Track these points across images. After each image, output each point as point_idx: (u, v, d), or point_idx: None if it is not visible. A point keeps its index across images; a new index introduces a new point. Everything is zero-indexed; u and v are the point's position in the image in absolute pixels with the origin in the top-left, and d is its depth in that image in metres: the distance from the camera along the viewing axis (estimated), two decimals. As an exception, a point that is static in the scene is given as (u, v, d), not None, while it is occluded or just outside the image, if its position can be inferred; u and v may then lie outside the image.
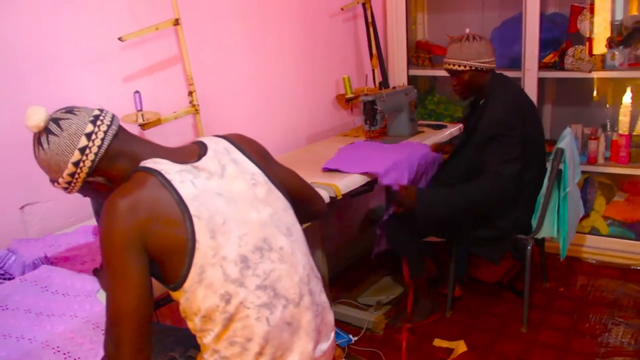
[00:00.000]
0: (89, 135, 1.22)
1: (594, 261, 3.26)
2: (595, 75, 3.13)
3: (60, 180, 1.25)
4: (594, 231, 3.31)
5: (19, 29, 1.88)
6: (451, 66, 2.49)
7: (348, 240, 3.50)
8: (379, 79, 3.46)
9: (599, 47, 3.11)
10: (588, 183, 3.38)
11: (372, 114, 2.83)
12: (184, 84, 2.40)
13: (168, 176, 1.20)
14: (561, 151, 2.42)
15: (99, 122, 1.24)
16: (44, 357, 1.30)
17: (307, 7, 3.10)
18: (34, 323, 1.36)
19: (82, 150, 1.21)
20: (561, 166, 2.45)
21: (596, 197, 3.37)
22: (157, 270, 1.21)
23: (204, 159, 1.28)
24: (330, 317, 1.43)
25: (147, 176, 1.21)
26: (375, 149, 2.78)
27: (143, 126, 2.08)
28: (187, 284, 1.19)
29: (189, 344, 1.45)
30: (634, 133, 3.24)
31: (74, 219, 2.07)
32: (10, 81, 1.87)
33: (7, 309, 1.41)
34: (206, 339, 1.25)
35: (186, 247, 1.18)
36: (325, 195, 2.19)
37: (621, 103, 3.31)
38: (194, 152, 1.30)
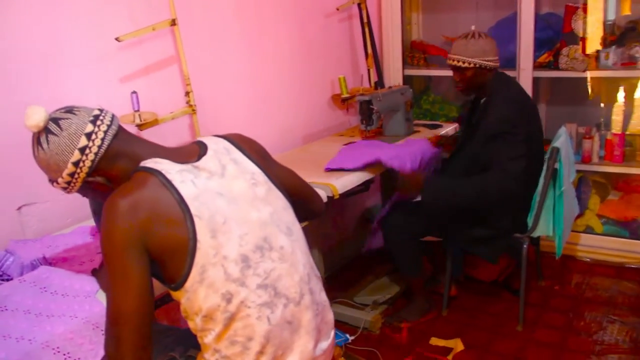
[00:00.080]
0: (88, 135, 1.22)
1: (588, 259, 3.28)
2: (589, 74, 3.15)
3: (60, 180, 1.25)
4: (589, 230, 3.33)
5: (17, 29, 1.88)
6: (455, 62, 2.50)
7: (344, 240, 3.51)
8: (374, 78, 3.47)
9: (593, 46, 3.13)
10: (582, 182, 3.40)
11: (368, 114, 2.83)
12: (180, 84, 2.40)
13: (169, 176, 1.21)
14: (556, 150, 2.44)
15: (98, 122, 1.24)
16: (44, 358, 1.30)
17: (303, 7, 3.11)
18: (34, 324, 1.36)
19: (82, 150, 1.21)
20: (556, 165, 2.47)
21: (590, 196, 3.39)
22: (158, 270, 1.21)
23: (204, 158, 1.29)
24: (330, 316, 1.44)
25: (147, 176, 1.21)
26: (376, 146, 2.78)
27: (140, 126, 2.08)
28: (188, 284, 1.19)
29: (189, 343, 1.46)
30: (627, 132, 3.26)
31: (72, 219, 2.07)
32: (7, 81, 1.87)
33: (6, 309, 1.40)
34: (207, 339, 1.25)
35: (187, 247, 1.18)
36: (322, 194, 2.19)
37: (615, 102, 3.34)
38: (194, 152, 1.31)
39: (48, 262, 1.66)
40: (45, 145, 1.21)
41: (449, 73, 3.74)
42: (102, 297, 1.46)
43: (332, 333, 1.45)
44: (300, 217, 1.44)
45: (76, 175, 1.24)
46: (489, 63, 2.46)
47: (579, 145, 3.29)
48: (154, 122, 2.14)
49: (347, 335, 2.65)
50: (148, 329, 1.18)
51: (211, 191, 1.24)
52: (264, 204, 1.31)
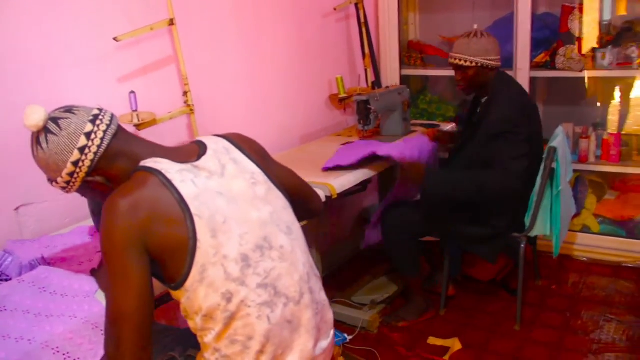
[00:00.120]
0: (88, 135, 1.22)
1: (585, 259, 3.29)
2: (586, 74, 3.16)
3: (59, 179, 1.24)
4: (585, 229, 3.34)
5: (14, 29, 1.87)
6: (457, 61, 2.50)
7: (342, 240, 3.51)
8: (371, 78, 3.47)
9: (589, 46, 3.14)
10: (579, 181, 3.41)
11: (365, 114, 2.83)
12: (178, 84, 2.39)
13: (169, 176, 1.21)
14: (554, 150, 2.45)
15: (98, 122, 1.24)
16: (44, 358, 1.30)
17: (300, 7, 3.11)
18: (33, 324, 1.36)
19: (82, 150, 1.21)
20: (554, 165, 2.47)
21: (587, 196, 3.40)
22: (158, 269, 1.21)
23: (203, 158, 1.29)
24: (329, 315, 1.44)
25: (147, 176, 1.21)
26: (373, 144, 2.77)
27: (138, 126, 2.08)
28: (188, 283, 1.19)
29: (188, 343, 1.46)
30: (623, 132, 3.28)
31: (69, 220, 2.06)
32: (4, 81, 1.86)
33: (5, 310, 1.40)
34: (207, 338, 1.25)
35: (187, 246, 1.18)
36: (320, 194, 2.19)
37: (611, 102, 3.35)
38: (193, 152, 1.31)
39: (47, 262, 1.66)
40: (44, 145, 1.21)
41: (446, 73, 3.79)
42: (101, 297, 1.46)
43: (332, 332, 1.45)
44: (299, 216, 1.44)
45: (75, 175, 1.23)
46: (490, 62, 2.47)
47: (575, 144, 3.30)
48: (152, 122, 2.13)
49: (345, 335, 2.65)
50: (148, 329, 1.18)
51: (211, 191, 1.24)
52: (264, 204, 1.31)
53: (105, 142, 1.23)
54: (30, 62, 1.92)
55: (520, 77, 3.20)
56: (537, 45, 3.24)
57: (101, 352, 1.38)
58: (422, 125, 3.28)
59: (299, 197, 1.51)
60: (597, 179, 3.44)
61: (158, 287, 1.27)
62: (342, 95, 3.16)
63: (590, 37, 3.13)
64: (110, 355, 1.18)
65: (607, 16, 3.17)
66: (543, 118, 3.52)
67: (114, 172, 1.26)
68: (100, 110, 1.27)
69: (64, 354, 1.33)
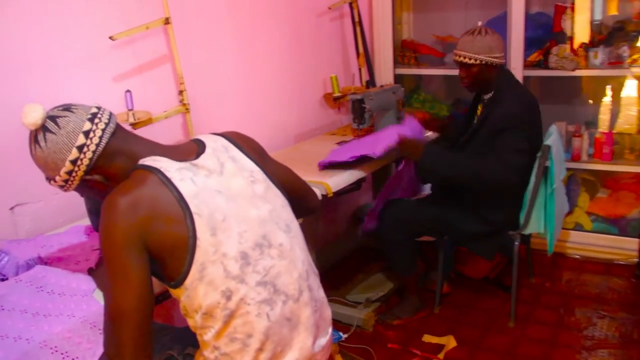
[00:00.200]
0: (86, 133, 1.21)
1: (578, 256, 3.31)
2: (578, 73, 3.18)
3: (57, 178, 1.24)
4: (578, 227, 3.37)
5: (9, 28, 1.87)
6: (461, 58, 2.50)
7: (336, 238, 3.52)
8: (365, 77, 3.48)
9: (581, 46, 3.16)
10: (572, 180, 3.43)
11: (360, 113, 2.84)
12: (174, 83, 2.39)
13: (168, 174, 1.20)
14: (548, 148, 2.46)
15: (96, 120, 1.23)
16: (42, 357, 1.29)
17: (295, 6, 3.11)
18: (31, 323, 1.36)
19: (80, 149, 1.21)
20: (548, 163, 2.49)
21: (580, 194, 3.43)
22: (157, 268, 1.21)
23: (202, 156, 1.29)
24: (328, 312, 1.45)
25: (146, 174, 1.21)
26: (368, 143, 2.76)
27: (134, 125, 2.07)
28: (188, 281, 1.19)
29: (187, 342, 1.45)
30: (614, 131, 3.30)
31: (65, 219, 2.05)
32: (0, 81, 1.86)
33: (2, 309, 1.39)
34: (206, 336, 1.25)
35: (187, 245, 1.18)
36: (316, 193, 2.19)
37: (603, 101, 3.37)
38: (192, 150, 1.31)
39: (43, 261, 1.65)
40: (42, 144, 1.21)
41: (440, 72, 3.81)
42: (99, 296, 1.46)
43: (330, 329, 1.46)
44: (297, 213, 1.44)
45: (74, 174, 1.23)
46: (494, 60, 2.47)
47: (568, 143, 3.33)
48: (148, 121, 2.13)
49: (341, 333, 2.66)
50: (148, 328, 1.18)
51: (210, 189, 1.24)
52: (263, 202, 1.31)
53: (104, 141, 1.23)
54: (26, 62, 1.92)
55: (514, 76, 3.21)
56: (530, 44, 3.26)
57: (99, 351, 1.38)
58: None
59: (296, 194, 1.51)
60: (590, 177, 3.46)
61: (155, 285, 1.27)
62: (337, 94, 3.17)
63: (582, 37, 3.15)
64: (110, 355, 1.17)
65: (598, 16, 3.19)
66: (537, 117, 3.54)
67: (113, 171, 1.26)
68: (99, 108, 1.27)
69: (62, 353, 1.33)
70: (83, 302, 1.44)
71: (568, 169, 3.19)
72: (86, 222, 1.90)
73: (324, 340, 1.41)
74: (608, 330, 2.60)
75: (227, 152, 1.32)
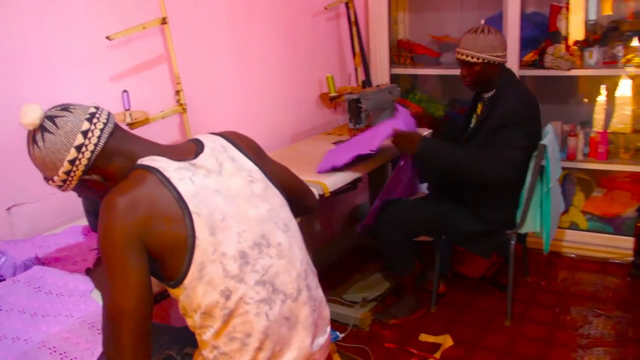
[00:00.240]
0: (85, 133, 1.21)
1: (573, 255, 3.33)
2: (574, 73, 3.19)
3: (56, 178, 1.24)
4: (574, 226, 3.38)
5: (6, 28, 1.86)
6: (464, 57, 2.49)
7: (332, 238, 3.52)
8: (361, 77, 3.48)
9: (576, 45, 3.17)
10: (567, 179, 3.45)
11: (356, 112, 2.84)
12: (170, 83, 2.39)
13: (167, 174, 1.21)
14: (544, 147, 2.47)
15: (95, 120, 1.23)
16: (41, 358, 1.29)
17: (291, 6, 3.11)
18: (29, 324, 1.35)
19: (78, 149, 1.21)
20: (544, 162, 2.50)
21: (575, 193, 3.44)
22: (156, 268, 1.21)
23: (201, 156, 1.29)
24: (326, 312, 1.45)
25: (145, 174, 1.21)
26: (364, 139, 2.75)
27: (131, 125, 2.07)
28: (187, 281, 1.19)
29: (185, 341, 1.46)
30: (609, 130, 3.32)
31: (61, 219, 2.05)
32: (-4, 81, 1.85)
33: (0, 310, 1.39)
34: (205, 336, 1.25)
35: (186, 244, 1.18)
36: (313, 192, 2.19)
37: (598, 100, 3.39)
38: (190, 150, 1.31)
39: (41, 262, 1.65)
40: (40, 143, 1.21)
41: (436, 72, 3.82)
42: (97, 296, 1.46)
43: (328, 328, 1.46)
44: (294, 213, 1.45)
45: (72, 174, 1.23)
46: (497, 59, 2.47)
47: (564, 142, 3.33)
48: (145, 121, 2.13)
49: (337, 333, 2.66)
50: (147, 328, 1.18)
51: (209, 189, 1.24)
52: (262, 201, 1.31)
53: (102, 141, 1.23)
54: (23, 62, 1.91)
55: (509, 75, 3.22)
56: (525, 44, 3.27)
57: (98, 351, 1.38)
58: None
59: (294, 193, 1.51)
60: (585, 176, 3.48)
61: (153, 285, 1.27)
62: (333, 94, 3.17)
63: (577, 36, 3.16)
64: (110, 355, 1.18)
65: (593, 15, 3.20)
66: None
67: (111, 171, 1.26)
68: (97, 108, 1.26)
69: (60, 354, 1.33)
70: (81, 303, 1.44)
71: (563, 168, 3.20)
72: (83, 222, 1.90)
73: (322, 339, 1.41)
74: (604, 329, 2.62)
75: (225, 152, 1.32)
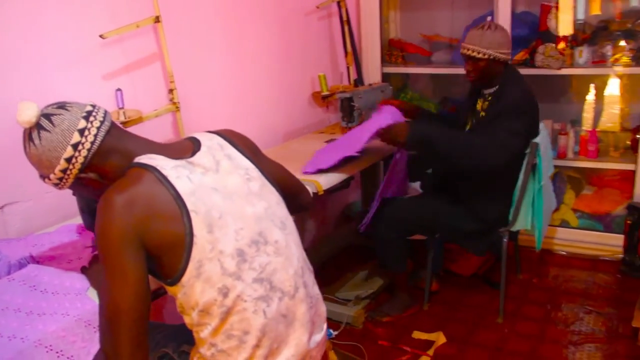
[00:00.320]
0: (81, 131, 1.21)
1: (564, 253, 3.36)
2: (564, 72, 3.22)
3: (52, 176, 1.23)
4: (564, 224, 3.41)
5: (-2, 26, 1.85)
6: (470, 52, 2.49)
7: (325, 236, 3.53)
8: (353, 76, 3.49)
9: (566, 44, 3.20)
10: (558, 177, 3.47)
11: (349, 111, 2.85)
12: (164, 81, 2.39)
13: (164, 172, 1.21)
14: (536, 145, 2.49)
15: (91, 118, 1.23)
16: (37, 356, 1.29)
17: (283, 5, 3.11)
18: (25, 322, 1.35)
19: (75, 147, 1.20)
20: (536, 160, 2.52)
21: (566, 191, 3.47)
22: (153, 266, 1.21)
23: (198, 154, 1.29)
24: (323, 309, 1.46)
25: (143, 172, 1.20)
26: (353, 139, 2.74)
27: (125, 124, 2.06)
28: (185, 279, 1.19)
29: (181, 339, 1.46)
30: (598, 129, 3.35)
31: (55, 218, 2.04)
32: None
33: (-4, 308, 1.39)
34: (203, 333, 1.25)
35: (184, 242, 1.18)
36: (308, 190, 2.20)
37: (587, 99, 3.42)
38: (187, 148, 1.31)
39: (35, 260, 1.64)
40: (37, 141, 1.20)
41: (427, 71, 3.83)
42: (93, 294, 1.46)
43: (325, 326, 1.47)
44: (290, 210, 1.45)
45: (68, 172, 1.22)
46: (502, 55, 2.47)
47: (554, 141, 3.36)
48: (138, 120, 2.13)
49: (331, 330, 2.67)
50: (145, 326, 1.18)
51: (206, 187, 1.24)
52: (258, 199, 1.32)
53: (99, 139, 1.22)
54: (16, 60, 1.90)
55: (501, 74, 3.24)
56: (516, 43, 3.28)
57: (94, 349, 1.37)
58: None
59: (290, 191, 1.52)
60: (575, 174, 3.51)
61: (151, 284, 1.27)
62: (325, 92, 3.18)
63: (567, 36, 3.18)
64: (107, 353, 1.17)
65: (581, 15, 3.23)
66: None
67: (108, 169, 1.25)
68: (94, 106, 1.26)
69: (57, 352, 1.32)
70: (77, 301, 1.44)
71: (554, 167, 3.22)
72: (77, 221, 1.89)
73: (319, 336, 1.42)
74: (594, 325, 2.64)
75: (222, 150, 1.33)
